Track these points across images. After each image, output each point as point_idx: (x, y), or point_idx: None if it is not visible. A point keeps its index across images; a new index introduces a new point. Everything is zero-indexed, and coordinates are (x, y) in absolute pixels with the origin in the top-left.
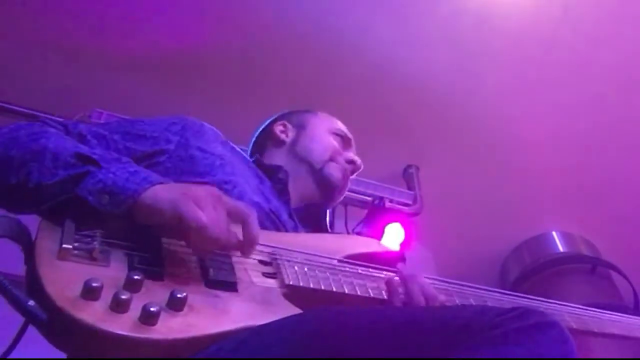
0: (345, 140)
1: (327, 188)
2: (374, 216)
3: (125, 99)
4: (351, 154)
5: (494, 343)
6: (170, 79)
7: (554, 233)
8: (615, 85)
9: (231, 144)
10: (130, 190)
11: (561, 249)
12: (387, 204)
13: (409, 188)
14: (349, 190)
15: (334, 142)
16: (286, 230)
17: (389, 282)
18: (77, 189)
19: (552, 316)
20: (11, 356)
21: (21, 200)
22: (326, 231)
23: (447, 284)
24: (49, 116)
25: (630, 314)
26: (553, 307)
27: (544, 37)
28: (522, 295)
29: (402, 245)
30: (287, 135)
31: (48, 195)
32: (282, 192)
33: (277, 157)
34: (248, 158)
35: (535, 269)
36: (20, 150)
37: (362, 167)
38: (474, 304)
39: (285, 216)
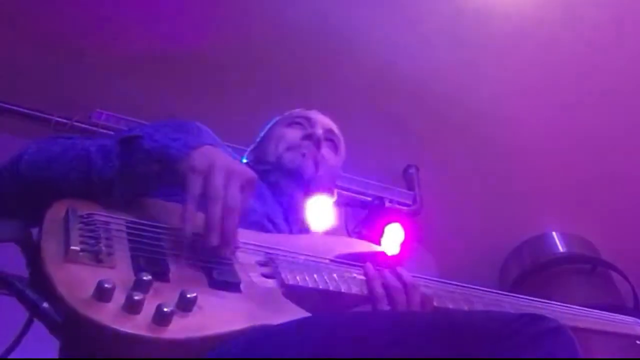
0: (305, 124)
1: (293, 178)
2: (374, 216)
3: (125, 99)
4: (310, 131)
5: (517, 350)
6: (170, 79)
7: (554, 233)
8: (615, 86)
9: (225, 146)
10: (173, 155)
11: (561, 249)
12: (387, 204)
13: (409, 188)
14: (348, 191)
15: (290, 132)
16: (279, 233)
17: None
18: (130, 166)
19: (558, 320)
20: (12, 356)
21: (92, 195)
22: (305, 225)
23: (453, 287)
24: (48, 116)
25: (629, 314)
26: (553, 307)
27: (544, 38)
28: (538, 299)
29: (402, 245)
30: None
31: (117, 183)
32: (275, 194)
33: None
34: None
35: (535, 269)
36: (66, 159)
37: (334, 131)
38: (481, 308)
39: (279, 219)
